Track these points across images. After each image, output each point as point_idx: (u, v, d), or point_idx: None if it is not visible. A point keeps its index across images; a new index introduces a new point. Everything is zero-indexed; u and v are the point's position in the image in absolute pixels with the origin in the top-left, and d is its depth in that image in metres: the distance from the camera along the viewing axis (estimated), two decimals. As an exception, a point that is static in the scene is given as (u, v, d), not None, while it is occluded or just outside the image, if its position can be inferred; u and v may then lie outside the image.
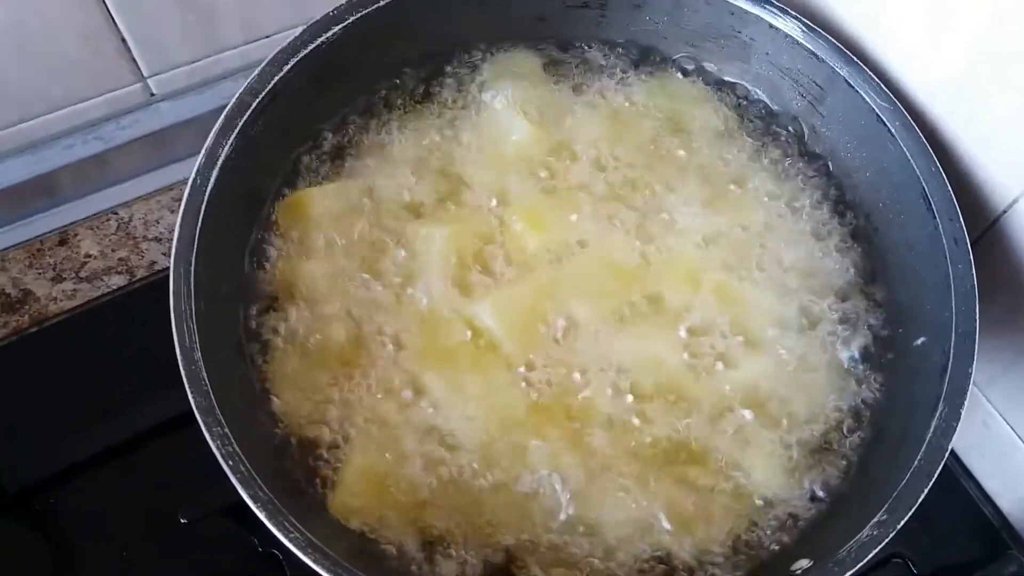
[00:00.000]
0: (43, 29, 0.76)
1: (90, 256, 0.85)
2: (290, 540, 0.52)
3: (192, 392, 0.55)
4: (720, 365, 0.66)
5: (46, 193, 0.87)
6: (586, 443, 0.63)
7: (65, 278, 0.84)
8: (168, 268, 0.59)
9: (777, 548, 0.61)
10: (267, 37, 0.89)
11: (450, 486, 0.61)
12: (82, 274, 0.84)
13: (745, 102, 0.78)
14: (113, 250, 0.86)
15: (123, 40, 0.81)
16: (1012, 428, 0.73)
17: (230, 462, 0.53)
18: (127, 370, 0.76)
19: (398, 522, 0.60)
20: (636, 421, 0.64)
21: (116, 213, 0.88)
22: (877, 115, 0.68)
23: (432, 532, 0.60)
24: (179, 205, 0.61)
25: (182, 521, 0.63)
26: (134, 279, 0.84)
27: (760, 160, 0.76)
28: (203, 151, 0.63)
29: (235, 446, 0.54)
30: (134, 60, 0.83)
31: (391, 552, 0.59)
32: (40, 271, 0.84)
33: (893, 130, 0.67)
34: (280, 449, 0.62)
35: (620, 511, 0.61)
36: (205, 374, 0.56)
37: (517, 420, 0.63)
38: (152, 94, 0.88)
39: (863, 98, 0.69)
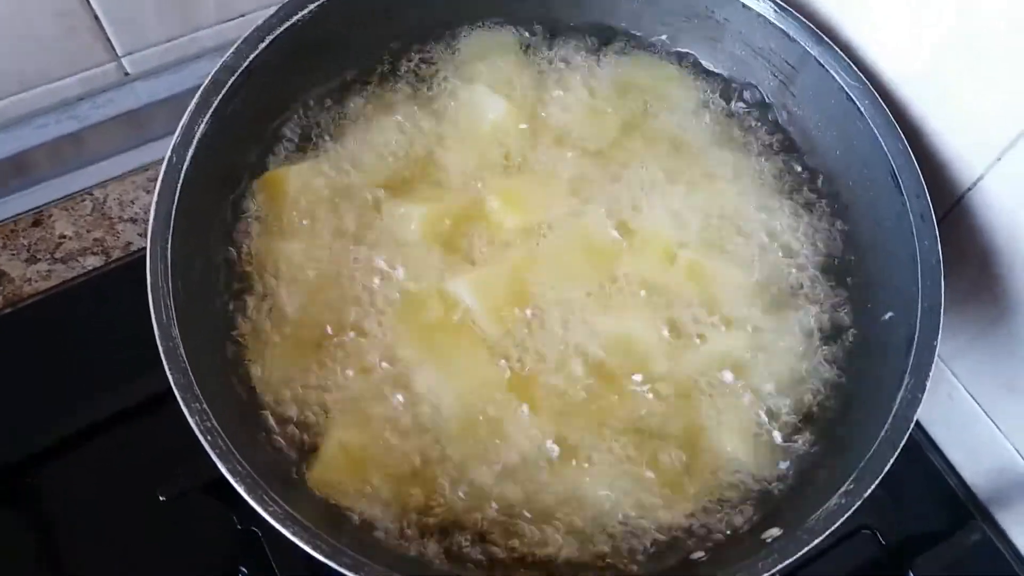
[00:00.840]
0: (16, 6, 0.75)
1: (65, 237, 0.85)
2: (269, 513, 0.52)
3: (170, 369, 0.56)
4: (693, 341, 0.67)
5: (20, 173, 0.86)
6: (562, 418, 0.64)
7: (40, 259, 0.83)
8: (144, 248, 0.59)
9: (748, 518, 0.62)
10: (242, 16, 0.88)
11: (428, 459, 0.62)
12: (57, 255, 0.84)
13: (719, 81, 0.79)
14: (88, 231, 0.85)
15: (96, 18, 0.80)
16: (975, 400, 0.74)
17: (208, 437, 0.54)
18: (104, 350, 0.76)
19: (377, 495, 0.60)
20: (612, 397, 0.65)
21: (91, 193, 0.87)
22: (847, 94, 0.70)
23: (410, 505, 0.61)
24: (155, 185, 0.61)
25: (161, 499, 0.64)
26: (110, 260, 0.84)
27: (733, 139, 0.77)
28: (178, 130, 0.63)
29: (214, 422, 0.54)
30: (108, 39, 0.83)
31: (370, 525, 0.60)
32: (14, 252, 0.83)
33: (862, 109, 0.69)
34: (259, 425, 0.62)
35: (594, 485, 0.62)
36: (183, 351, 0.56)
37: (494, 395, 0.64)
38: (127, 73, 0.87)
39: (833, 77, 0.70)
